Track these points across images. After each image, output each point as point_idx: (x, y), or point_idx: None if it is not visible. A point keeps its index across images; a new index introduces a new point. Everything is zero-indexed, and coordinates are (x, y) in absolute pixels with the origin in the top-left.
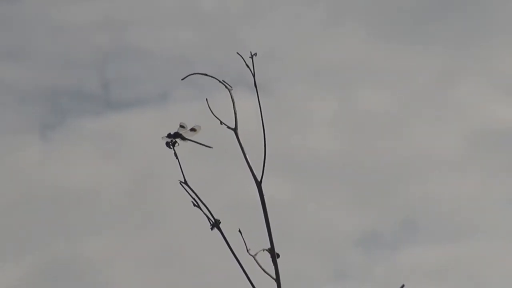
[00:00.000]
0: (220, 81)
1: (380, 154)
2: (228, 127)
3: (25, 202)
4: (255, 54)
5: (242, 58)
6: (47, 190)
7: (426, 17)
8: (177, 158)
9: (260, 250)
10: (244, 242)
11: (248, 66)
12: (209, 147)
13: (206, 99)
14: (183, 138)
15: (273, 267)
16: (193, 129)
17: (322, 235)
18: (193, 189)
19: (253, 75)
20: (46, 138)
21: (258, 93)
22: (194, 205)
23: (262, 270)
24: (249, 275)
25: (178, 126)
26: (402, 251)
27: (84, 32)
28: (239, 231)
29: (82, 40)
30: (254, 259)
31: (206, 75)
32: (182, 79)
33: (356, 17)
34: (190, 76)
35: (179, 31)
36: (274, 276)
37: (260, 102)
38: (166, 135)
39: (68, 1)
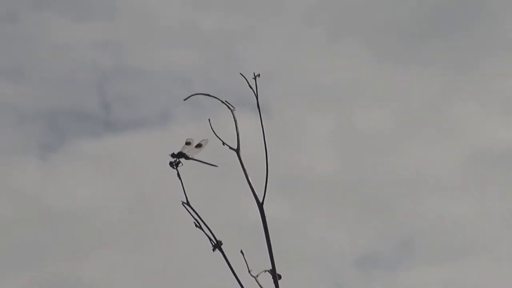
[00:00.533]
0: (222, 102)
1: (378, 174)
2: (231, 148)
3: (24, 221)
4: (258, 75)
5: (245, 78)
6: (46, 210)
7: (424, 37)
8: (180, 178)
9: (262, 271)
10: (246, 263)
11: (251, 87)
12: (214, 165)
13: (209, 120)
14: (187, 158)
15: None
16: (199, 145)
17: (321, 256)
18: (195, 209)
19: (256, 96)
20: (45, 158)
21: (261, 115)
22: (196, 225)
23: None
24: None
25: (184, 143)
26: (401, 272)
27: (84, 52)
28: (241, 252)
29: (81, 60)
30: (256, 280)
31: (209, 95)
32: (185, 99)
33: (355, 37)
34: (191, 97)
35: (178, 51)
36: None
37: (262, 123)
38: (170, 154)
39: (67, 21)
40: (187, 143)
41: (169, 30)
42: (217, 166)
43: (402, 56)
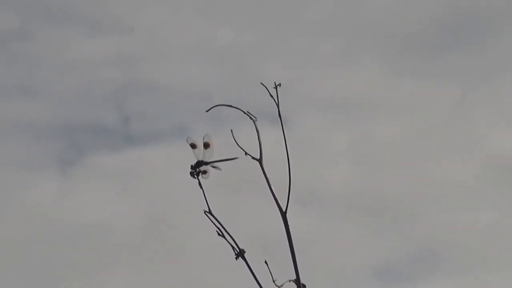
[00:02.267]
0: (244, 112)
1: (397, 186)
2: (253, 158)
3: (42, 237)
4: (279, 84)
5: (266, 88)
6: (64, 226)
7: (441, 50)
8: (201, 187)
9: (286, 281)
10: (270, 273)
11: (272, 96)
12: (235, 158)
13: (231, 130)
14: (206, 163)
15: None
16: (206, 144)
17: (341, 267)
18: (217, 219)
19: (277, 106)
20: (64, 174)
21: (282, 124)
22: (219, 234)
23: None
24: None
25: (191, 147)
26: (420, 283)
27: (100, 67)
28: (265, 262)
29: (98, 75)
30: None
31: (231, 106)
32: (207, 111)
33: (371, 49)
34: (213, 108)
35: (196, 64)
36: None
37: (281, 134)
38: (190, 165)
39: (83, 37)
40: (193, 146)
41: (185, 44)
42: (238, 158)
43: (419, 69)
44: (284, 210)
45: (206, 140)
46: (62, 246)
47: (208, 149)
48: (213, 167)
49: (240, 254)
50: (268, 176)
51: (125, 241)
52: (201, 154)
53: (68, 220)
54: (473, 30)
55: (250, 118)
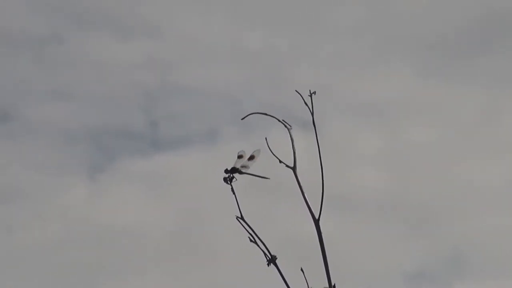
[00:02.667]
0: (279, 121)
1: (427, 190)
2: (287, 166)
3: (72, 241)
4: (314, 92)
5: (301, 96)
6: (94, 230)
7: (470, 52)
8: (234, 193)
9: None
10: (306, 280)
11: (306, 104)
12: (266, 178)
13: (265, 138)
14: (240, 172)
15: None
16: (251, 157)
17: (372, 272)
18: (249, 225)
19: (312, 114)
20: (93, 178)
21: (317, 133)
22: (251, 240)
23: None
24: None
25: (237, 157)
26: (452, 287)
27: (131, 71)
28: (301, 269)
29: (128, 79)
30: None
31: (266, 114)
32: (242, 119)
33: (400, 53)
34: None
35: (226, 69)
36: None
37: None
38: (224, 170)
39: (112, 41)
40: (240, 156)
41: (215, 48)
42: (269, 179)
43: (449, 72)
44: (317, 217)
45: (254, 153)
46: (94, 249)
47: (250, 161)
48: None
49: (272, 260)
50: (300, 182)
51: (155, 245)
52: (241, 163)
53: (98, 223)
54: (503, 32)
55: (285, 126)
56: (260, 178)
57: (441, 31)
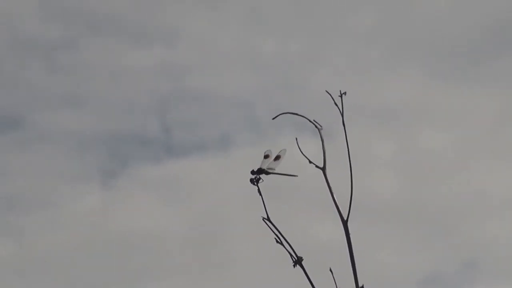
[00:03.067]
0: (310, 121)
1: (441, 195)
2: (317, 166)
3: (87, 248)
4: (345, 93)
5: (331, 96)
6: (109, 237)
7: (483, 56)
8: (260, 194)
9: None
10: (334, 281)
11: (336, 105)
12: (295, 175)
13: (296, 138)
14: (267, 173)
15: None
16: (277, 157)
17: (385, 277)
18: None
19: (342, 114)
20: (107, 184)
21: (346, 133)
22: (277, 241)
23: None
24: None
25: (263, 157)
26: None
27: (144, 77)
28: (330, 270)
29: (142, 85)
30: None
31: (297, 114)
32: (273, 119)
33: (414, 57)
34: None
35: (240, 74)
36: None
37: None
38: (250, 171)
39: (126, 47)
40: (266, 156)
41: (229, 54)
42: (297, 176)
43: (462, 76)
44: (345, 218)
45: (280, 153)
46: (109, 255)
47: (276, 161)
48: (280, 174)
49: (298, 262)
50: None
51: (171, 250)
52: (267, 163)
53: (113, 230)
54: None
55: (316, 126)
56: (288, 176)
57: (454, 36)
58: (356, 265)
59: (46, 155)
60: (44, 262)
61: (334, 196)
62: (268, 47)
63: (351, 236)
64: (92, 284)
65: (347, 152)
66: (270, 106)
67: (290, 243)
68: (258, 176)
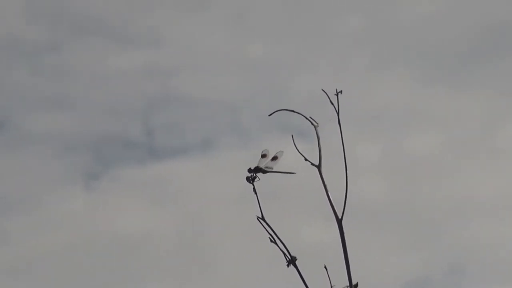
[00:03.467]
0: (306, 118)
1: (427, 198)
2: (312, 164)
3: (71, 250)
4: (341, 91)
5: (327, 94)
6: (92, 239)
7: (471, 61)
8: (255, 193)
9: (345, 287)
10: (329, 279)
11: (332, 103)
12: (292, 173)
13: (292, 136)
14: (264, 171)
15: None
16: (275, 157)
17: (372, 280)
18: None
19: (337, 113)
20: (91, 186)
21: (342, 132)
22: (271, 241)
23: None
24: None
25: (260, 156)
26: None
27: (129, 80)
28: (325, 267)
29: (126, 88)
30: None
31: (293, 111)
32: (269, 115)
33: (401, 61)
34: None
35: (225, 77)
36: None
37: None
38: (247, 169)
39: (112, 50)
40: (263, 156)
41: (215, 57)
42: (295, 173)
43: (449, 80)
44: (340, 217)
45: (277, 154)
46: (92, 257)
47: (273, 161)
48: (278, 172)
49: (292, 261)
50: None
51: (155, 252)
52: (264, 163)
53: (97, 232)
54: (505, 40)
55: (312, 124)
56: (285, 174)
57: (441, 39)
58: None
59: (30, 157)
60: (28, 264)
61: (329, 194)
62: (254, 51)
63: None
64: (76, 286)
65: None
66: (255, 109)
67: (284, 243)
68: (254, 175)
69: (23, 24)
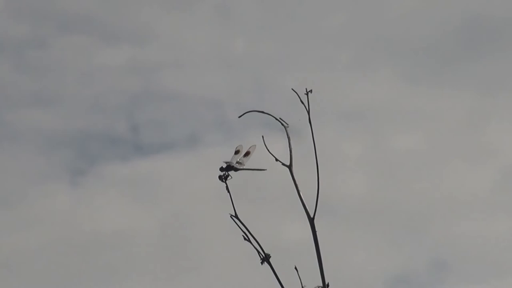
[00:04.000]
0: (276, 119)
1: (410, 195)
2: (283, 164)
3: (55, 247)
4: (310, 91)
5: (297, 94)
6: (77, 236)
7: (453, 58)
8: (229, 192)
9: (316, 287)
10: (300, 279)
11: (303, 103)
12: (263, 169)
13: (262, 136)
14: (236, 169)
15: None
16: (247, 153)
17: (354, 277)
18: (240, 224)
19: (308, 112)
20: (76, 183)
21: (313, 131)
22: (245, 239)
23: None
24: None
25: (233, 152)
26: None
27: (114, 76)
28: (295, 268)
29: (111, 84)
30: None
31: (263, 112)
32: (239, 117)
33: (384, 59)
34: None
35: (210, 74)
36: None
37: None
38: (219, 168)
39: (96, 46)
40: (237, 152)
41: (199, 53)
42: (266, 170)
43: (432, 78)
44: (312, 216)
45: (250, 149)
46: (77, 254)
47: (245, 157)
48: (249, 169)
49: (266, 259)
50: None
51: (140, 249)
52: (237, 158)
53: (81, 229)
54: (488, 38)
55: (282, 124)
56: (257, 171)
57: (424, 37)
58: (324, 264)
59: (15, 153)
60: (12, 261)
61: (301, 193)
62: (239, 47)
63: (318, 233)
64: (60, 283)
65: (318, 150)
66: (240, 105)
67: (258, 241)
68: (226, 173)
69: (6, 20)
